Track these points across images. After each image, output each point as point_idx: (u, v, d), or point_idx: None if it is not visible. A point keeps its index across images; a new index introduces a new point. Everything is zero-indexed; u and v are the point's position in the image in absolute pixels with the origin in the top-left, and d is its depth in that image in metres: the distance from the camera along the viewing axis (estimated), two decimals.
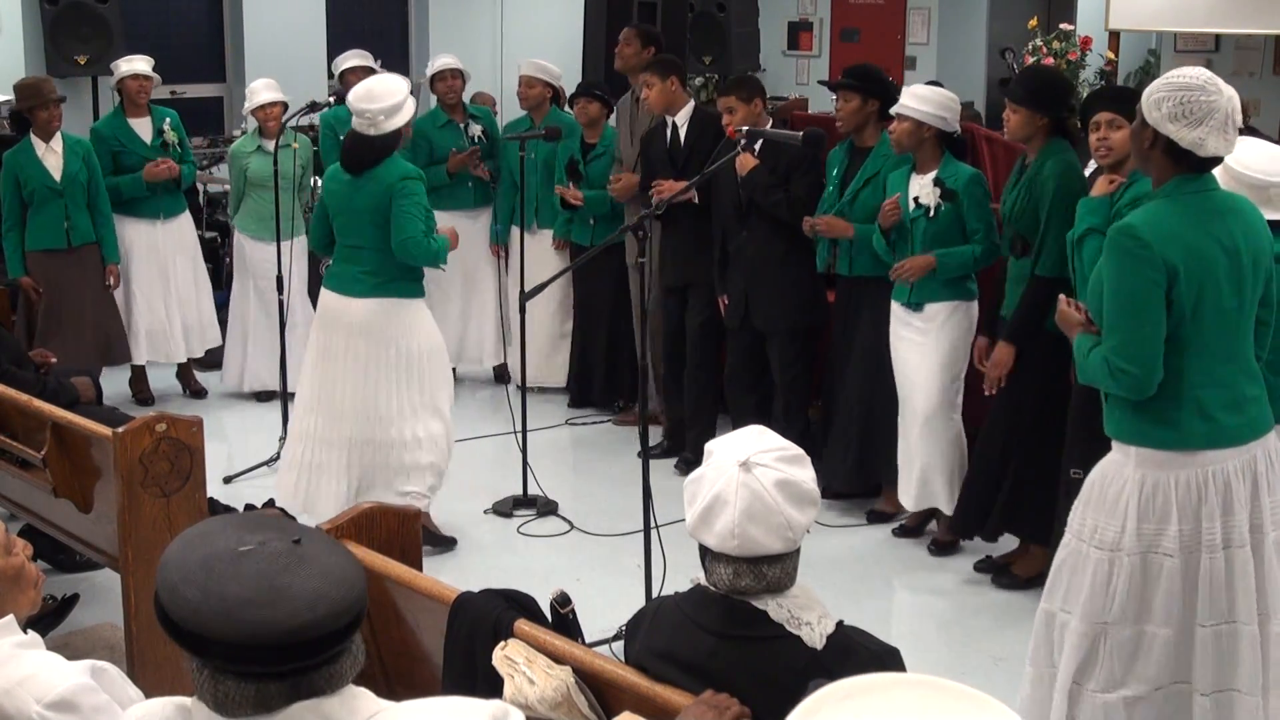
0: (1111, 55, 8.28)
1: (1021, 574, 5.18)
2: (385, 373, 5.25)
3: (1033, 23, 8.35)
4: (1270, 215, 3.58)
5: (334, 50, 9.50)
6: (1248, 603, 3.36)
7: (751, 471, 2.36)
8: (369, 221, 5.18)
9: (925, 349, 5.33)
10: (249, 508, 5.38)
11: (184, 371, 7.56)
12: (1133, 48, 9.85)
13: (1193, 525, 3.33)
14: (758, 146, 5.73)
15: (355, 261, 5.27)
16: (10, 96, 7.12)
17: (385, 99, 5.11)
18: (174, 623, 1.76)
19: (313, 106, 6.87)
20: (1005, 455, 5.11)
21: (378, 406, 5.27)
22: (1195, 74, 3.29)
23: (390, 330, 5.24)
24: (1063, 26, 8.01)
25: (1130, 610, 3.38)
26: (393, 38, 10.53)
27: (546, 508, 5.95)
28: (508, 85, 7.95)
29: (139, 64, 7.12)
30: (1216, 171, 3.46)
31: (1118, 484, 3.41)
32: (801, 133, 5.01)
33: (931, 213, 5.24)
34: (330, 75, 9.86)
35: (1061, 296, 3.71)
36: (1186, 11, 7.94)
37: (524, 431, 5.98)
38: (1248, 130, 4.46)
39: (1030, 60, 7.74)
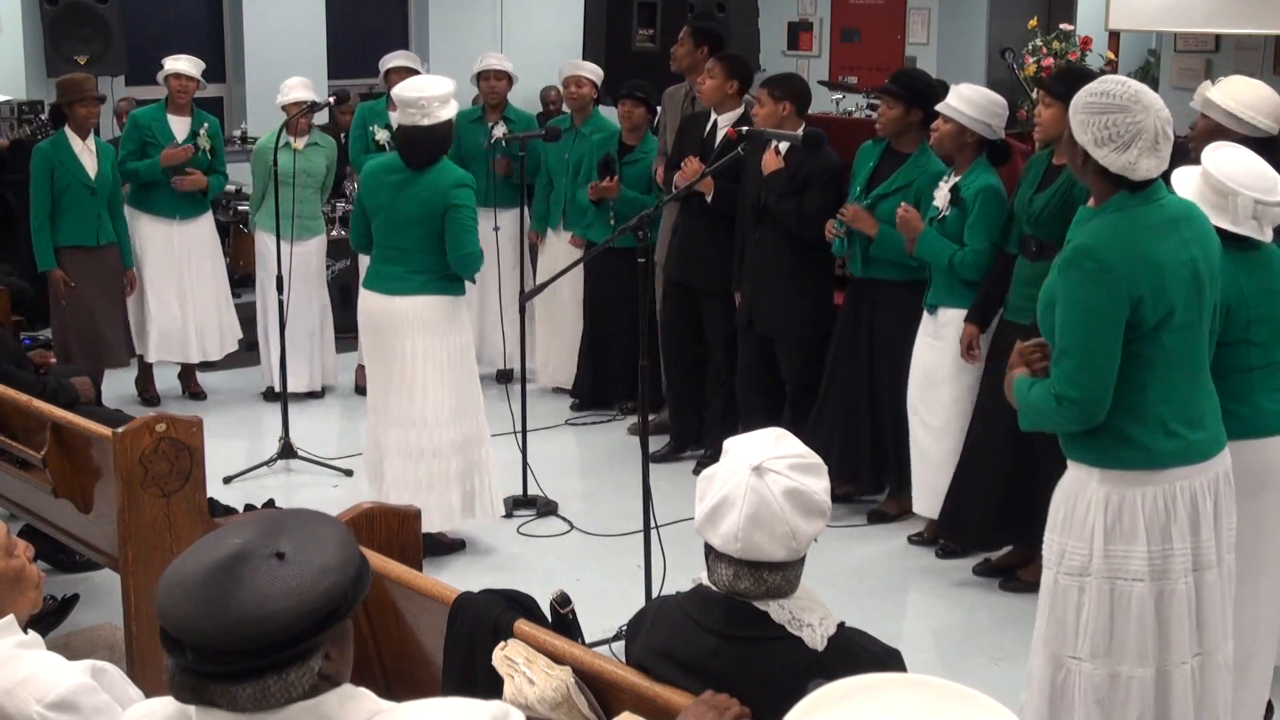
0: (1111, 55, 8.28)
1: (1029, 579, 5.14)
2: (438, 371, 5.23)
3: (1033, 23, 8.36)
4: (1222, 224, 3.47)
5: (334, 50, 9.53)
6: (1213, 630, 3.26)
7: (763, 477, 2.34)
8: (419, 225, 5.14)
9: (940, 353, 5.31)
10: (249, 508, 5.37)
11: (185, 373, 7.56)
12: (1133, 48, 9.85)
13: (1162, 546, 3.19)
14: (784, 148, 5.70)
15: (400, 262, 5.21)
16: (10, 97, 7.14)
17: (437, 88, 5.12)
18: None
19: (313, 107, 6.88)
20: (990, 460, 5.10)
21: (453, 406, 5.27)
22: (1117, 91, 3.11)
23: (440, 328, 5.22)
24: (1063, 26, 8.01)
25: (1100, 644, 3.23)
26: (393, 38, 10.53)
27: (546, 508, 5.95)
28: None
29: (181, 64, 7.13)
30: (1193, 172, 3.38)
31: (1083, 504, 3.25)
32: (801, 133, 5.02)
33: (940, 216, 5.24)
34: (330, 75, 9.90)
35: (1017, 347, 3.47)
36: (1186, 11, 7.94)
37: (524, 431, 5.98)
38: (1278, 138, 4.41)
39: (1030, 60, 7.76)
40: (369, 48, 8.12)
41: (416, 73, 7.28)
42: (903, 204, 5.35)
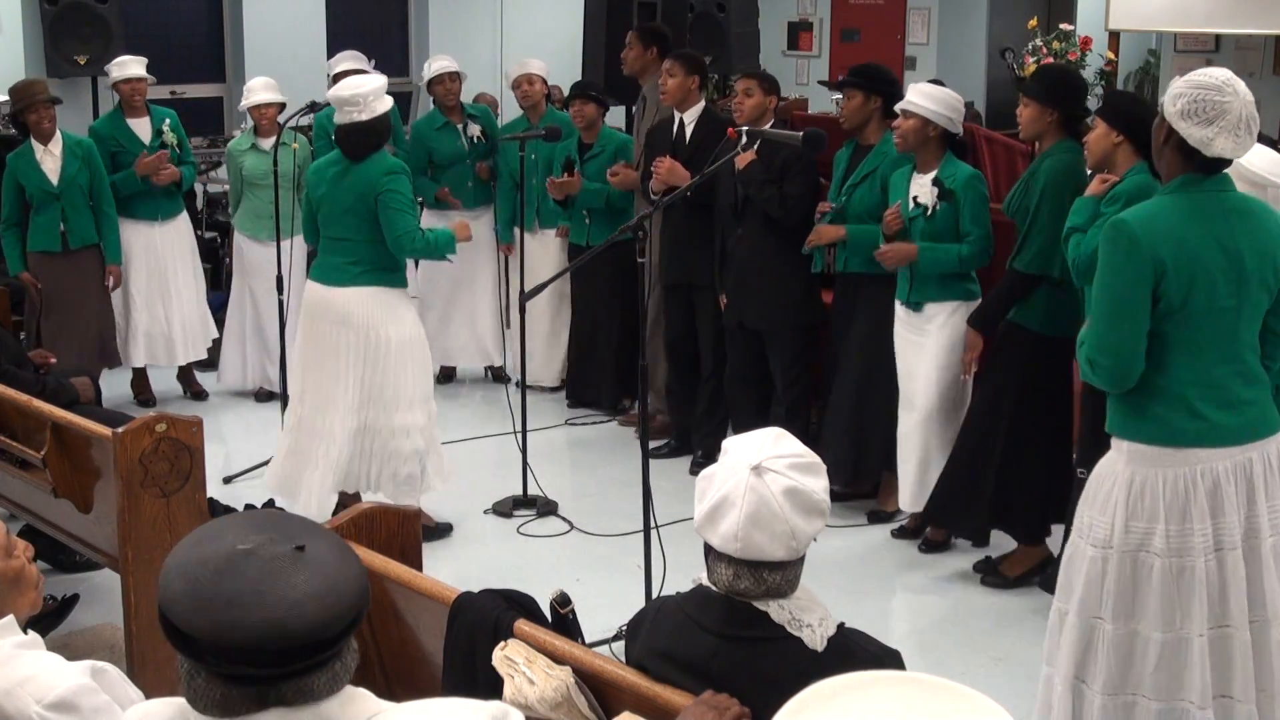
0: (1111, 55, 8.30)
1: (1009, 572, 5.19)
2: (371, 361, 5.32)
3: (1033, 23, 8.39)
4: None
5: (334, 50, 9.50)
6: (1240, 607, 3.33)
7: (762, 477, 2.34)
8: (353, 213, 5.30)
9: (925, 349, 5.33)
10: (249, 508, 5.38)
11: (185, 373, 7.55)
12: (1133, 48, 9.86)
13: (1180, 526, 3.31)
14: (756, 143, 5.75)
15: (338, 252, 5.38)
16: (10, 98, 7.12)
17: (369, 84, 5.31)
18: (161, 612, 1.78)
19: (313, 106, 6.86)
20: (982, 453, 5.12)
21: (365, 395, 5.34)
22: (1216, 74, 3.30)
23: (373, 319, 5.32)
24: (1063, 26, 8.04)
25: (1122, 607, 3.38)
26: (393, 38, 10.53)
27: (546, 508, 5.95)
28: (508, 85, 7.96)
29: (131, 67, 7.10)
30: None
31: (1109, 481, 3.41)
32: (801, 133, 5.02)
33: (929, 212, 5.24)
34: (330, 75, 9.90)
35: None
36: (1186, 11, 7.94)
37: (524, 431, 5.98)
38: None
39: (1030, 60, 7.77)
40: (369, 48, 8.11)
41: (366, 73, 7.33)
42: (881, 246, 5.34)
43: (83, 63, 8.40)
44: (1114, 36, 8.38)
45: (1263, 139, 4.50)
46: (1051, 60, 7.62)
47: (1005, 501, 5.10)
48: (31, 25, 8.73)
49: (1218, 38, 8.48)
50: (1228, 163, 3.33)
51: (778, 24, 10.92)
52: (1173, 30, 8.51)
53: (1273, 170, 3.72)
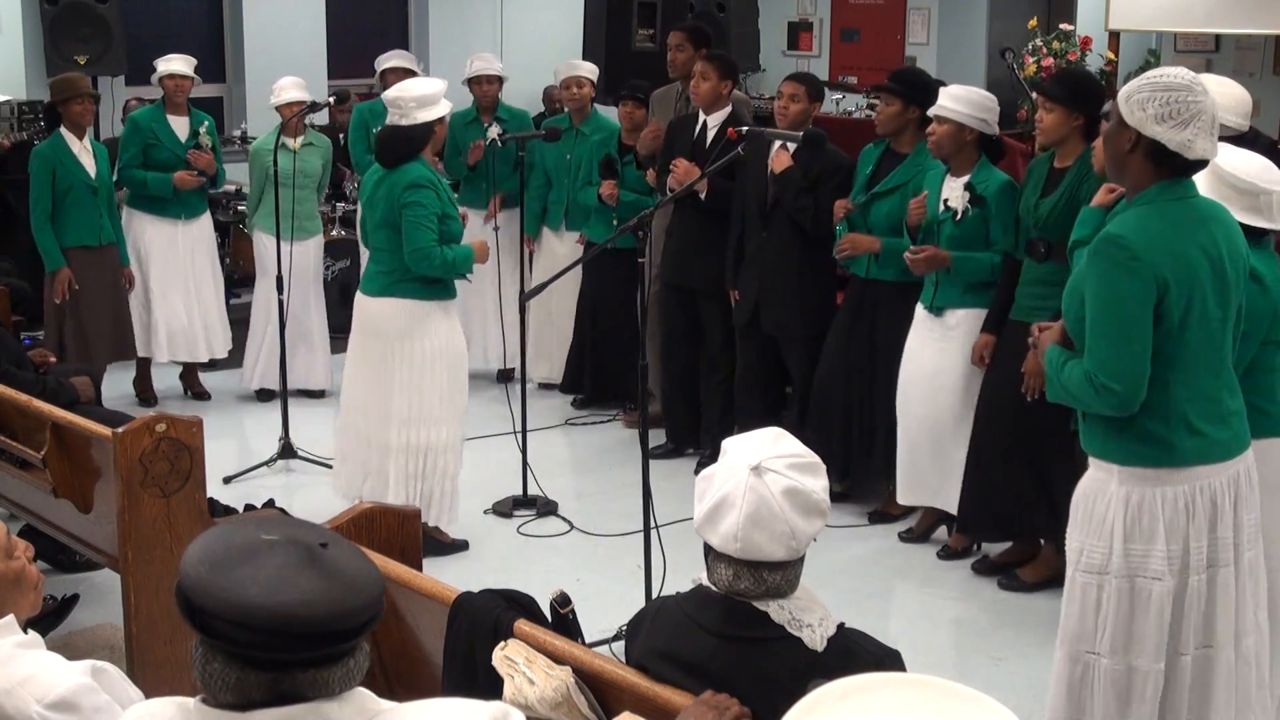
0: (1111, 55, 8.29)
1: (1028, 578, 5.17)
2: (400, 375, 5.25)
3: (1033, 23, 8.38)
4: (1256, 222, 3.51)
5: (334, 50, 9.53)
6: (1226, 625, 3.25)
7: (761, 477, 2.34)
8: (383, 222, 5.23)
9: (949, 354, 5.27)
10: (249, 508, 5.38)
11: (188, 372, 7.55)
12: (1133, 48, 9.84)
13: (1181, 545, 3.20)
14: (793, 147, 5.71)
15: (375, 260, 5.37)
16: (10, 97, 7.14)
17: (419, 89, 5.21)
18: (182, 594, 1.78)
19: (313, 107, 6.88)
20: (1003, 457, 5.09)
21: (388, 407, 5.27)
22: (1178, 74, 3.17)
23: (403, 331, 5.24)
24: (1063, 27, 8.03)
25: (1120, 640, 3.24)
26: (393, 38, 10.52)
27: (546, 508, 5.95)
28: (508, 85, 7.94)
29: (176, 64, 7.14)
30: (1199, 174, 3.34)
31: (1102, 503, 3.26)
32: (802, 133, 5.02)
33: (958, 216, 5.17)
34: (329, 75, 9.91)
35: (1034, 326, 3.56)
36: (1186, 11, 7.93)
37: (524, 431, 5.98)
38: (1250, 132, 4.43)
39: (1030, 60, 7.77)
40: (369, 48, 8.12)
41: (413, 72, 7.30)
42: (910, 252, 5.22)
43: (83, 63, 8.40)
44: (1114, 36, 8.37)
45: (1262, 139, 4.50)
46: (1052, 60, 7.61)
47: (1020, 502, 5.06)
48: (31, 25, 8.73)
49: (1218, 38, 8.47)
50: (1203, 166, 3.21)
51: (778, 24, 10.91)
52: (1173, 30, 8.49)
53: (1263, 176, 3.58)
